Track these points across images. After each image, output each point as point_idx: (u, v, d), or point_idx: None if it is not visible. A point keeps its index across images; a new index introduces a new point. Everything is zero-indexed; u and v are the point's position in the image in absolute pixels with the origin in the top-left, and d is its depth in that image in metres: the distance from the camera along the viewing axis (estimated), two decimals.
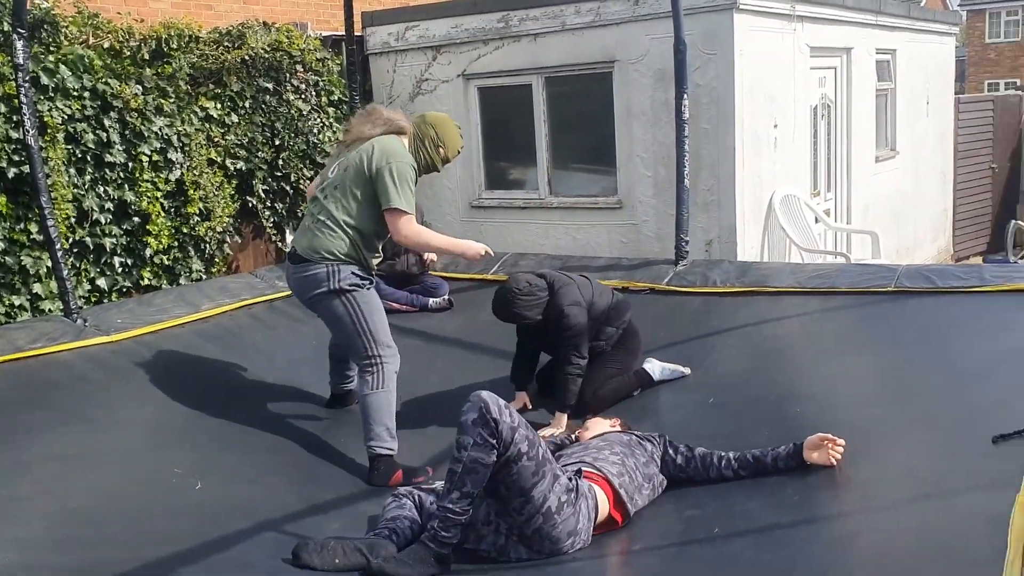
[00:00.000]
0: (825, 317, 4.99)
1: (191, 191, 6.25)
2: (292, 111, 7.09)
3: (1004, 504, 2.48)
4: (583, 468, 3.18)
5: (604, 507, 3.11)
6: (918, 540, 2.61)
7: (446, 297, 5.99)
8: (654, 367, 4.58)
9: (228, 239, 6.66)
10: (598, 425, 3.67)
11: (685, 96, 5.77)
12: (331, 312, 4.01)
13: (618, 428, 3.64)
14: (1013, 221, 11.28)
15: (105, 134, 5.75)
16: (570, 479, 3.05)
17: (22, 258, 5.39)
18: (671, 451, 3.44)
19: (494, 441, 2.83)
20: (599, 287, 4.57)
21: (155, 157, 6.04)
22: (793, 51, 7.32)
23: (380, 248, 4.14)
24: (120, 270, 5.94)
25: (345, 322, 4.00)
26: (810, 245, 7.31)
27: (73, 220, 5.62)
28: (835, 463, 3.21)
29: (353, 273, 3.96)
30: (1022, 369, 3.71)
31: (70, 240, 5.61)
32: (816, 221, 7.77)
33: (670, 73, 6.02)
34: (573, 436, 3.72)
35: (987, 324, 4.45)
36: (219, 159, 6.61)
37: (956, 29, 11.45)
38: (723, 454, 3.38)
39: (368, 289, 4.04)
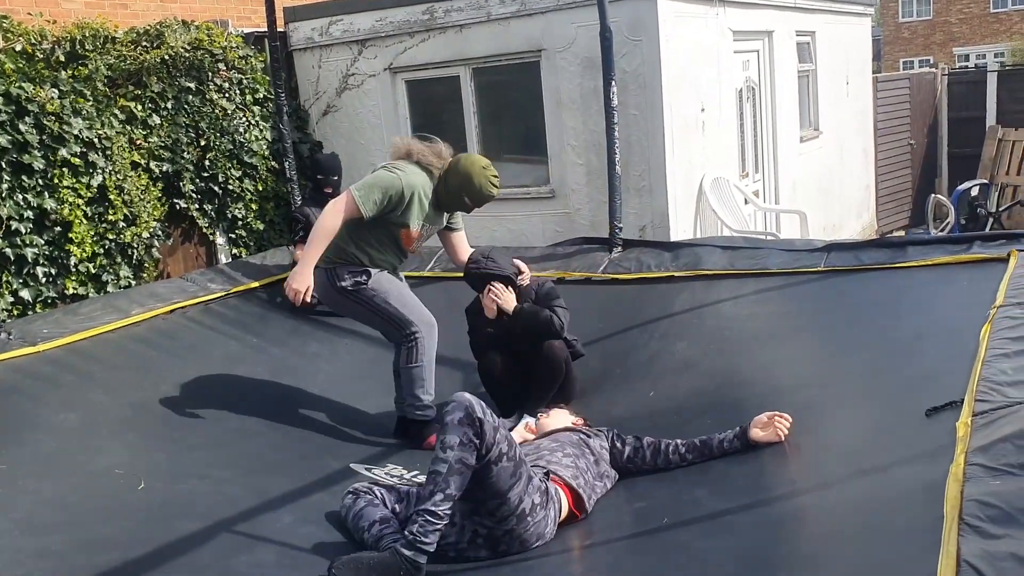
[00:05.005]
0: (758, 299, 5.07)
1: (114, 196, 6.08)
2: (216, 110, 6.93)
3: (939, 474, 2.56)
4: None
5: (565, 508, 3.13)
6: (860, 515, 2.67)
7: None
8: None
9: (157, 244, 6.50)
10: (560, 416, 3.67)
11: (613, 83, 5.81)
12: (346, 310, 4.31)
13: (579, 426, 3.63)
14: (933, 195, 11.61)
15: (21, 138, 5.55)
16: (541, 480, 3.05)
17: None
18: (619, 443, 3.47)
19: (478, 441, 2.81)
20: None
21: (75, 162, 5.85)
22: (717, 35, 7.41)
23: (388, 247, 4.24)
24: (44, 280, 5.75)
25: (362, 315, 4.30)
26: (741, 227, 7.42)
27: None
28: (782, 438, 3.28)
29: (349, 273, 4.15)
30: (948, 342, 3.81)
31: None
32: (746, 202, 7.90)
33: (597, 61, 6.05)
34: (533, 423, 3.73)
35: (912, 299, 4.57)
36: (143, 162, 6.44)
37: (872, 9, 11.72)
38: (669, 442, 3.42)
39: (368, 282, 4.16)
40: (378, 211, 4.04)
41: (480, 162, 4.21)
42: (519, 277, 4.43)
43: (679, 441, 3.41)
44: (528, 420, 3.98)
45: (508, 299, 4.35)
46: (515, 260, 4.48)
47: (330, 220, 4.00)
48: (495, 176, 4.22)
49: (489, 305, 4.36)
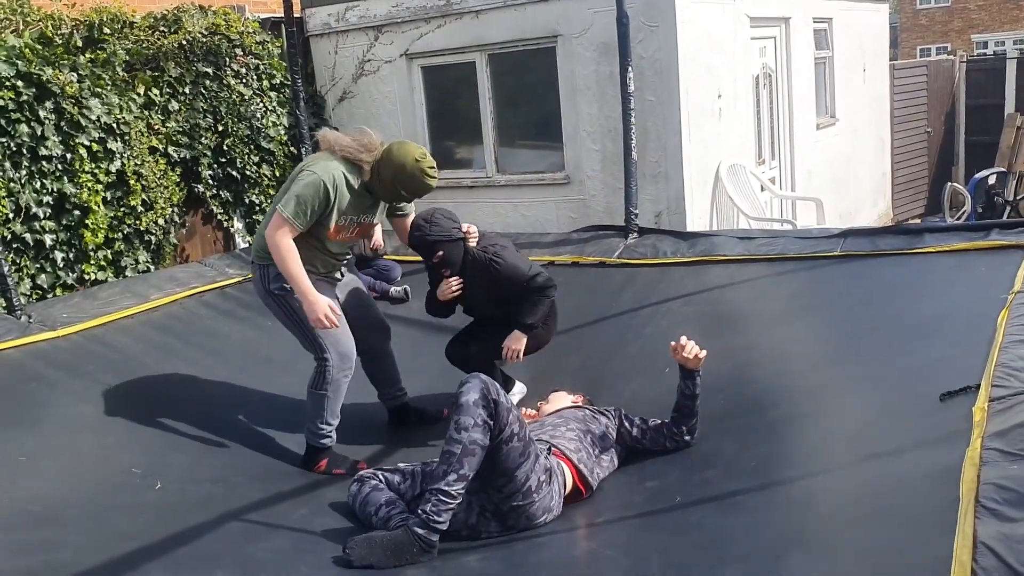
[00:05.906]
0: (774, 283, 5.07)
1: (132, 181, 6.12)
2: (234, 96, 6.96)
3: (954, 459, 2.57)
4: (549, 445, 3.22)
5: (569, 482, 3.17)
6: (873, 497, 2.68)
7: (406, 288, 5.97)
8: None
9: (175, 229, 6.54)
10: (560, 399, 3.70)
11: (629, 69, 5.80)
12: (274, 313, 4.02)
13: (580, 403, 3.67)
14: (949, 183, 11.54)
15: (40, 126, 5.59)
16: (545, 457, 3.08)
17: None
18: (626, 424, 3.51)
19: (492, 422, 2.85)
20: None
21: (94, 147, 5.89)
22: (734, 22, 7.38)
23: (313, 248, 3.86)
24: (61, 265, 5.79)
25: (286, 322, 3.99)
26: (757, 213, 7.41)
27: (10, 215, 5.47)
28: (697, 355, 3.34)
29: (279, 275, 3.82)
30: (964, 327, 3.81)
31: (7, 236, 5.46)
32: (762, 189, 7.87)
33: (613, 46, 6.04)
34: (535, 409, 3.75)
35: (929, 284, 4.57)
36: (161, 147, 6.48)
37: None
38: (665, 421, 3.46)
39: (293, 291, 3.83)
40: (314, 219, 3.75)
41: (413, 152, 3.79)
42: (466, 234, 4.11)
43: (669, 420, 3.45)
44: (526, 408, 3.97)
45: (521, 347, 4.13)
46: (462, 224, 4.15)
47: (280, 244, 3.68)
48: (431, 167, 3.82)
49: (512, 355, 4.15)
